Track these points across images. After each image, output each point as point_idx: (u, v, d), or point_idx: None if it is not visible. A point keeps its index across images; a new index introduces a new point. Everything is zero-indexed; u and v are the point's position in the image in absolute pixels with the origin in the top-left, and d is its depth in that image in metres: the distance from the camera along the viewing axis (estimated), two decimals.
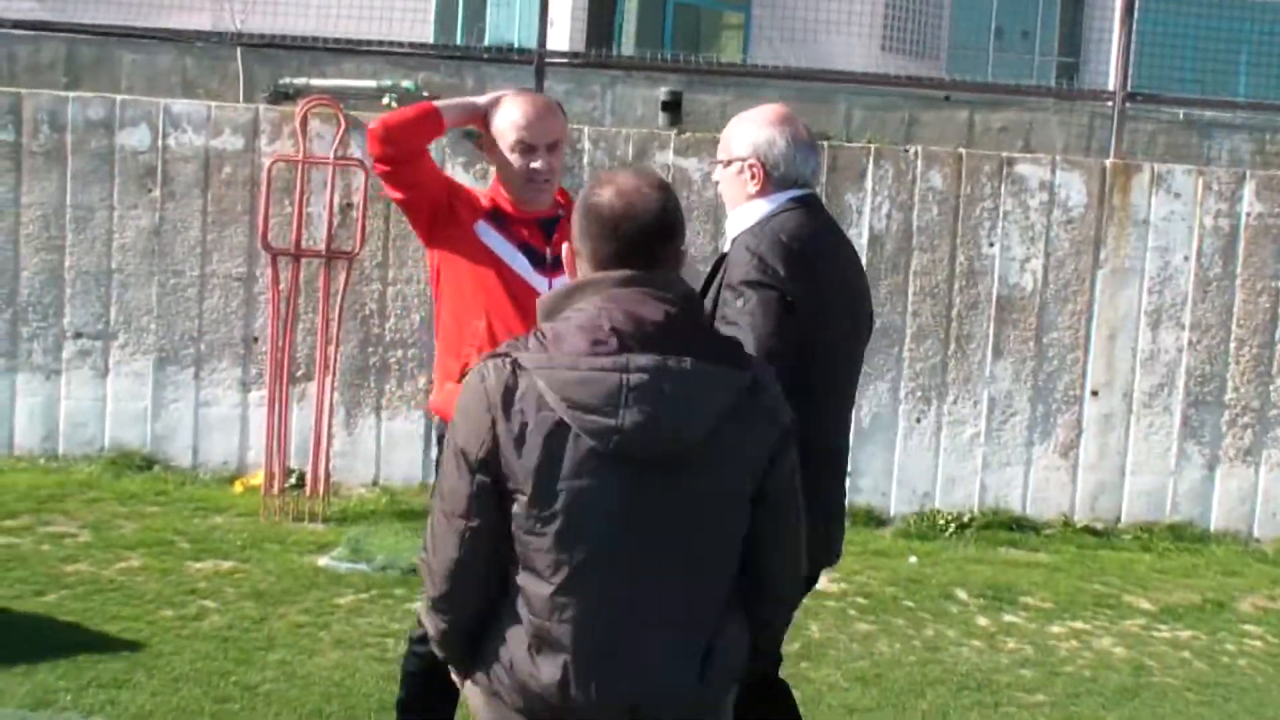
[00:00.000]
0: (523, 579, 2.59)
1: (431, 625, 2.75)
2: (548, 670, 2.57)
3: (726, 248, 3.85)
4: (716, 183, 3.99)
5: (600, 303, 2.58)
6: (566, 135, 4.36)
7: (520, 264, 4.11)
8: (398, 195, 4.20)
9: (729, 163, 3.85)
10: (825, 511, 3.93)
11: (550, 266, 4.13)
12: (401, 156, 4.08)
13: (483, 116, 4.17)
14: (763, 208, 3.78)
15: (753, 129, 3.84)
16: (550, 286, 4.09)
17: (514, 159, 4.08)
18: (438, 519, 2.66)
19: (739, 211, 3.82)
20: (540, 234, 4.16)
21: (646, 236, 2.63)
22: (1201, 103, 11.98)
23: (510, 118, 4.09)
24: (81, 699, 5.01)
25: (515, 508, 2.55)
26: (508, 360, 2.56)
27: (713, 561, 2.64)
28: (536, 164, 4.08)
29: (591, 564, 2.54)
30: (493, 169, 4.31)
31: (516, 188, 4.13)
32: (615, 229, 2.63)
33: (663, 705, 2.60)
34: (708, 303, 3.72)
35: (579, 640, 2.56)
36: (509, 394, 2.52)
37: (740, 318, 3.55)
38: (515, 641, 2.61)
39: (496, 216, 4.12)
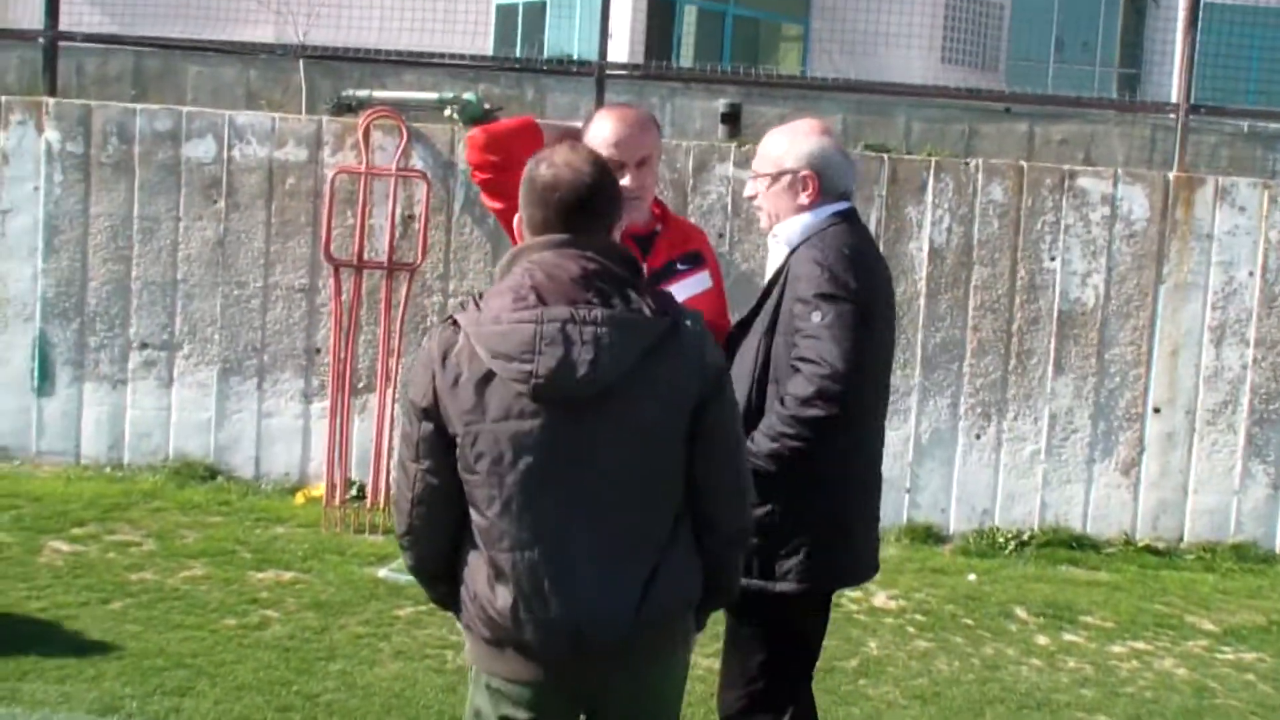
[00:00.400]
0: (472, 514, 2.91)
1: (405, 560, 3.12)
2: (502, 597, 2.88)
3: (776, 260, 3.92)
4: (752, 197, 4.01)
5: (527, 265, 2.92)
6: (659, 150, 4.21)
7: None
8: (496, 205, 4.12)
9: (778, 175, 3.89)
10: (874, 519, 4.01)
11: (650, 281, 4.09)
12: (502, 164, 4.00)
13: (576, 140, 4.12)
14: (808, 219, 3.86)
15: (803, 141, 3.91)
16: None
17: None
18: (398, 464, 3.03)
19: (790, 223, 3.88)
20: (636, 250, 4.05)
21: (571, 206, 2.93)
22: (1266, 115, 11.86)
23: (601, 134, 4.01)
24: (147, 706, 5.08)
25: (457, 450, 2.88)
26: (450, 322, 2.93)
27: (644, 495, 2.89)
28: (625, 181, 3.88)
29: (519, 497, 2.84)
30: None
31: None
32: (545, 199, 2.96)
33: (603, 630, 2.84)
34: (765, 315, 3.80)
35: (517, 568, 2.86)
36: (447, 351, 2.88)
37: (820, 331, 3.63)
38: (478, 574, 2.93)
39: None
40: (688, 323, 2.93)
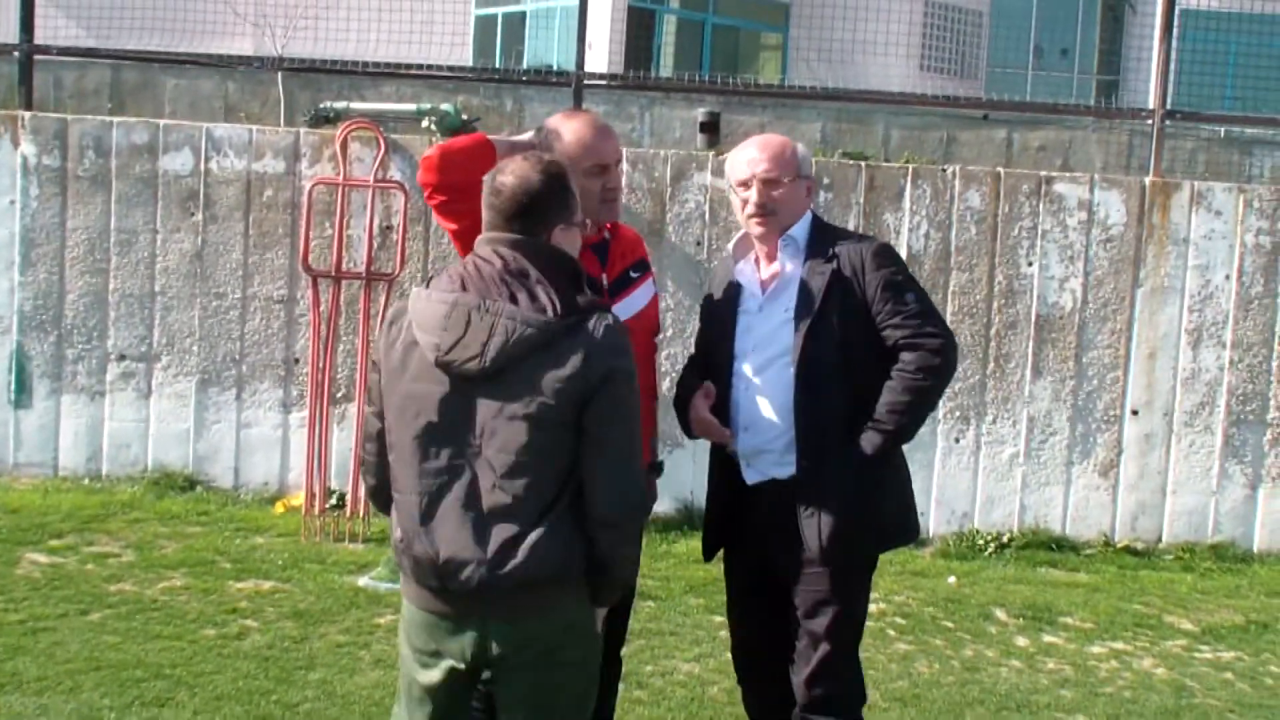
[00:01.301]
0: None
1: (364, 487, 3.75)
2: (396, 530, 3.40)
3: (790, 259, 4.12)
4: (758, 208, 4.12)
5: (470, 256, 3.40)
6: None
7: None
8: (452, 226, 4.10)
9: (800, 179, 4.17)
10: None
11: (610, 293, 4.10)
12: (458, 185, 3.96)
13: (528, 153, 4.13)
14: (808, 221, 4.20)
15: (802, 150, 4.24)
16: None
17: (589, 183, 4.02)
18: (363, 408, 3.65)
19: (800, 226, 4.16)
20: (595, 260, 4.11)
21: (509, 211, 3.36)
22: (1242, 120, 11.93)
23: (581, 141, 4.05)
24: (125, 717, 5.07)
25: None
26: (408, 295, 3.43)
27: (522, 470, 3.24)
28: (611, 182, 4.09)
29: (411, 448, 3.32)
30: None
31: (593, 210, 4.06)
32: (491, 203, 3.40)
33: (454, 576, 3.26)
34: (833, 310, 4.00)
35: (403, 508, 3.37)
36: (397, 317, 3.41)
37: (921, 308, 4.05)
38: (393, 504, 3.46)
39: None
40: (596, 328, 3.26)
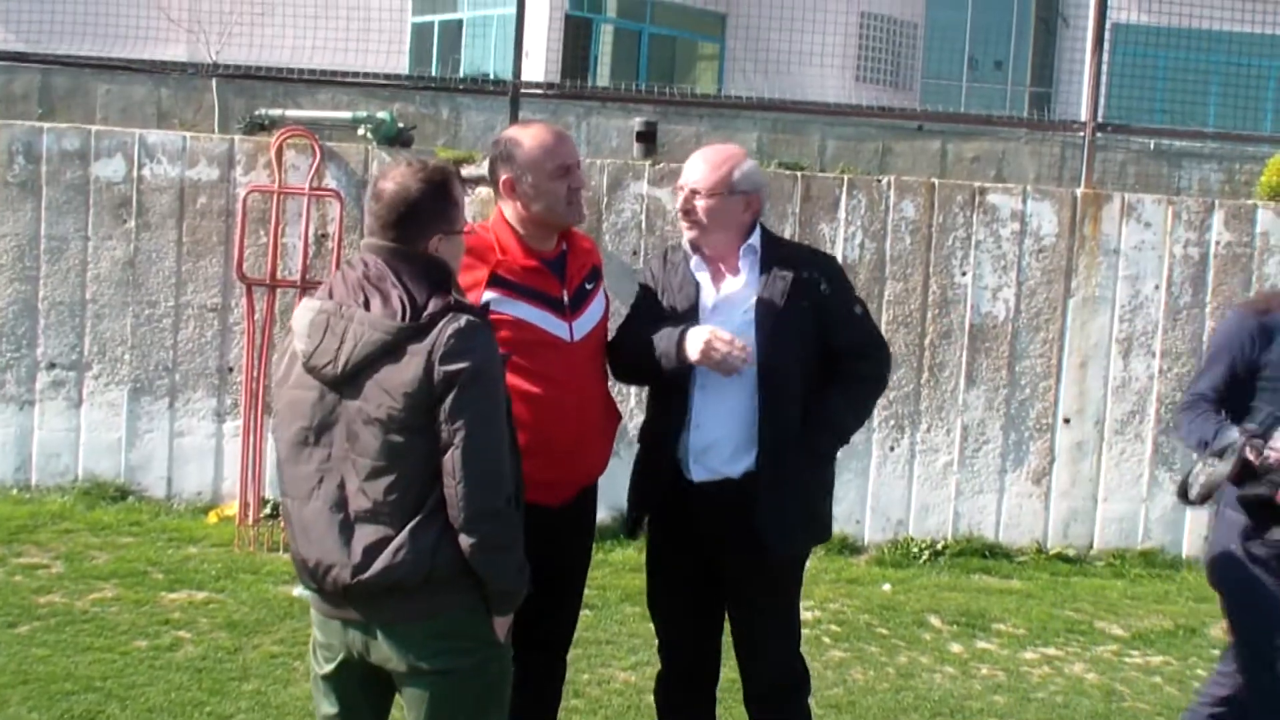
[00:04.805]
0: None
1: None
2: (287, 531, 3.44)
3: (758, 268, 4.24)
4: (681, 214, 4.27)
5: (347, 262, 3.44)
6: None
7: (539, 317, 4.04)
8: None
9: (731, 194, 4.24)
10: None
11: (570, 309, 4.10)
12: None
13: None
14: (757, 230, 4.34)
15: (747, 166, 4.34)
16: (571, 331, 4.10)
17: (555, 185, 4.06)
18: None
19: (757, 234, 4.31)
20: (553, 277, 4.11)
21: (386, 217, 3.35)
22: (1171, 133, 12.11)
23: (543, 145, 4.07)
24: None
25: None
26: None
27: (386, 474, 3.25)
28: (576, 183, 4.12)
29: (288, 451, 3.39)
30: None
31: (561, 212, 4.12)
32: (370, 207, 3.40)
33: (323, 576, 3.31)
34: (793, 319, 4.13)
35: (285, 510, 3.45)
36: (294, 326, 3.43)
37: (867, 318, 4.35)
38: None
39: (500, 281, 3.98)
40: (443, 331, 3.22)
